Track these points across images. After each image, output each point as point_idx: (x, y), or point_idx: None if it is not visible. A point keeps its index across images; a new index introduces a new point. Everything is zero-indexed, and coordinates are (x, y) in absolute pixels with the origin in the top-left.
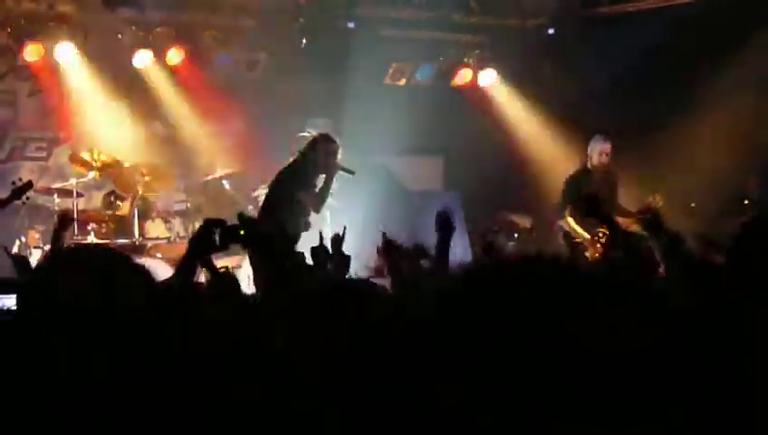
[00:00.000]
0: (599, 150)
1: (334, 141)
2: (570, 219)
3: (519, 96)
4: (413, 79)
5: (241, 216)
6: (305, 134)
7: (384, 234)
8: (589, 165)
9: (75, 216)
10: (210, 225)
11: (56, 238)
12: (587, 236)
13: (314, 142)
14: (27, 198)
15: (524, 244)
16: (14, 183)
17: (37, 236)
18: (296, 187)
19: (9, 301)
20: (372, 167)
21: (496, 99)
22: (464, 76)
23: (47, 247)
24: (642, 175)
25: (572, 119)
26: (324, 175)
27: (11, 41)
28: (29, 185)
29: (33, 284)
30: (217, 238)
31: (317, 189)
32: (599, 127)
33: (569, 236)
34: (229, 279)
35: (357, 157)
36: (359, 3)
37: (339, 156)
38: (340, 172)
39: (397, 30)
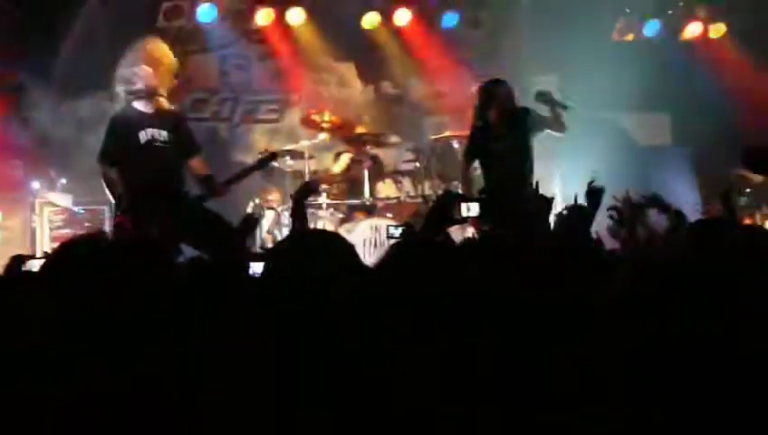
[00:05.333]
0: None
1: (501, 84)
2: None
3: (750, 50)
4: (640, 34)
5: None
6: None
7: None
8: None
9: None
10: (451, 197)
11: (297, 206)
12: None
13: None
14: (271, 168)
15: (757, 199)
16: (261, 153)
17: (270, 197)
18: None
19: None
20: (600, 122)
21: (726, 53)
22: (693, 30)
23: (281, 209)
24: None
25: None
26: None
27: (243, 5)
28: (273, 156)
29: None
30: (458, 210)
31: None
32: None
33: None
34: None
35: (584, 113)
36: None
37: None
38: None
39: None
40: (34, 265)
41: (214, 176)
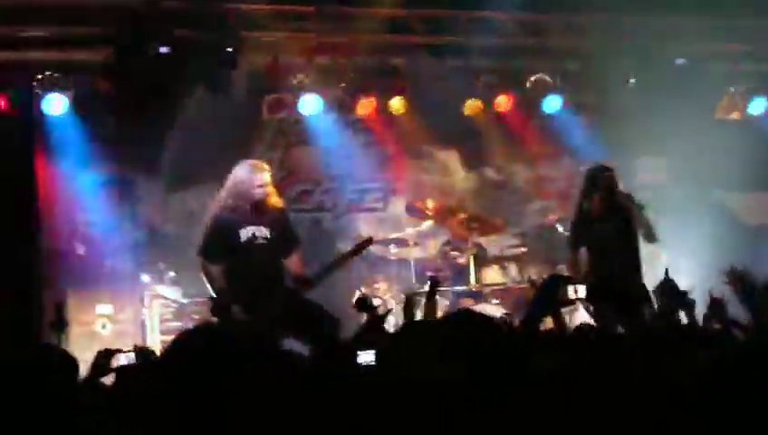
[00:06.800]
0: None
1: (604, 170)
2: None
3: None
4: (745, 112)
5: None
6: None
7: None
8: None
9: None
10: (557, 280)
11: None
12: None
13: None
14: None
15: None
16: (357, 240)
17: (377, 286)
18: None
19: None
20: (706, 202)
21: None
22: None
23: (389, 298)
24: None
25: None
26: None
27: (346, 96)
28: (369, 241)
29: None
30: (565, 292)
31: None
32: None
33: None
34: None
35: (690, 193)
36: (686, 37)
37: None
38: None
39: (726, 63)
40: (121, 359)
41: (305, 274)
